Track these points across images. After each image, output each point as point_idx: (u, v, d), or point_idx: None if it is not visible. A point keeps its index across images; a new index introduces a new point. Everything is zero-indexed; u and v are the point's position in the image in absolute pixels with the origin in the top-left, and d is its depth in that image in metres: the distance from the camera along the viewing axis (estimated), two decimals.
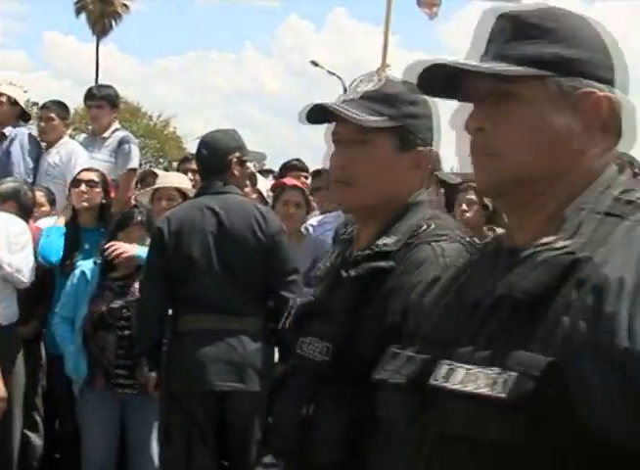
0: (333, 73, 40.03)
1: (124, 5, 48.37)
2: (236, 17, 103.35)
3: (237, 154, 4.17)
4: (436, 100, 1.93)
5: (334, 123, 2.02)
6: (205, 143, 4.26)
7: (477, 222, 4.89)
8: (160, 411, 4.20)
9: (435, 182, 4.83)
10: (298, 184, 5.70)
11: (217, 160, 4.16)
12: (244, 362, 4.00)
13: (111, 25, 47.85)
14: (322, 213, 5.91)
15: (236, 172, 4.17)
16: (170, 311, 4.20)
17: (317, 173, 6.40)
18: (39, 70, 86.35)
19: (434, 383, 1.32)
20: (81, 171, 5.34)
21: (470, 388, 1.25)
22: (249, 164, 4.60)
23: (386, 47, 7.69)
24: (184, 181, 5.53)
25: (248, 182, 4.91)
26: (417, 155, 2.01)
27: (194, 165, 5.41)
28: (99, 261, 4.57)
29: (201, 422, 4.01)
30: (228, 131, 4.36)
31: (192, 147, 14.84)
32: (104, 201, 5.19)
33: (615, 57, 1.40)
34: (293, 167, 6.92)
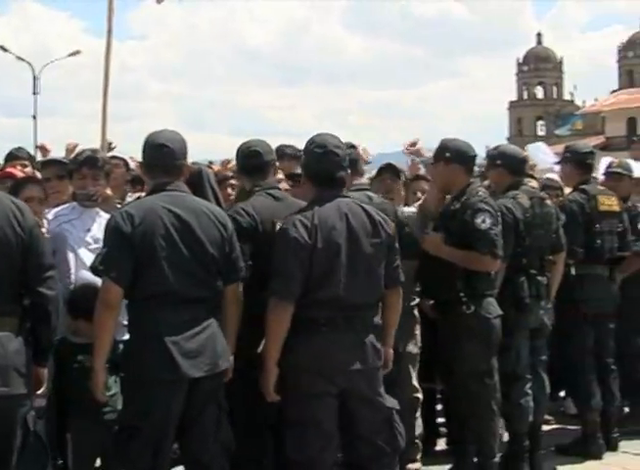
0: (22, 59, 38.60)
1: None
2: None
3: None
4: None
5: None
6: None
7: None
8: None
9: None
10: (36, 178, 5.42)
11: None
12: (6, 365, 3.76)
13: None
14: (55, 206, 5.67)
15: None
16: None
17: (47, 164, 6.16)
18: None
19: None
20: None
21: None
22: None
23: (110, 32, 7.48)
24: None
25: None
26: None
27: None
28: None
29: None
30: None
31: None
32: None
33: None
34: (15, 157, 6.70)
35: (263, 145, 5.03)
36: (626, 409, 7.23)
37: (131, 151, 7.24)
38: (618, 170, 7.16)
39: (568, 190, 6.97)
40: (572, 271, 6.34)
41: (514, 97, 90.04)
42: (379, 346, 4.46)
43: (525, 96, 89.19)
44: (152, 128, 4.52)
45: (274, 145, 5.42)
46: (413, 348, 5.88)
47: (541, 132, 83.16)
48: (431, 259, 5.49)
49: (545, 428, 6.50)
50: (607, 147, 52.85)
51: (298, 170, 5.65)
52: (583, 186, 6.58)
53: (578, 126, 74.38)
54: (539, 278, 5.82)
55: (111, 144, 8.19)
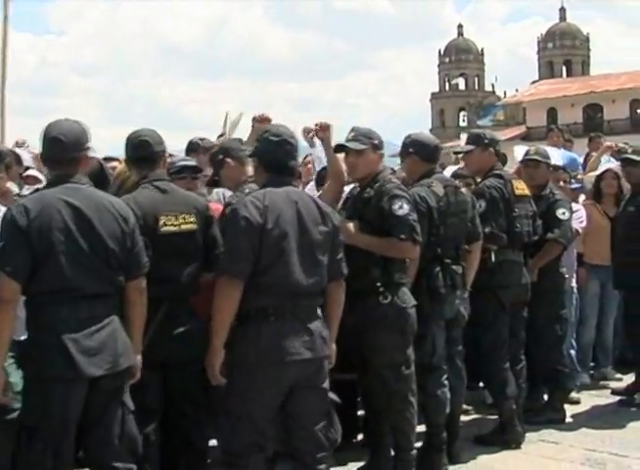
0: None
1: None
2: None
3: None
4: None
5: None
6: None
7: None
8: None
9: None
10: None
11: None
12: None
13: None
14: None
15: None
16: None
17: None
18: None
19: None
20: None
21: None
22: None
23: (6, 18, 7.28)
24: None
25: None
26: None
27: None
28: None
29: None
30: None
31: None
32: None
33: None
34: None
35: (153, 135, 4.85)
36: (545, 397, 7.23)
37: None
38: (536, 157, 7.15)
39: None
40: (492, 258, 6.29)
41: (436, 88, 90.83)
42: (325, 334, 4.44)
43: (447, 87, 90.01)
44: None
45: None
46: None
47: (464, 123, 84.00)
48: (344, 247, 5.36)
49: (464, 418, 6.47)
50: (528, 137, 53.66)
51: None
52: (497, 171, 6.54)
53: (500, 117, 75.36)
54: (454, 267, 5.73)
55: (24, 143, 7.94)
